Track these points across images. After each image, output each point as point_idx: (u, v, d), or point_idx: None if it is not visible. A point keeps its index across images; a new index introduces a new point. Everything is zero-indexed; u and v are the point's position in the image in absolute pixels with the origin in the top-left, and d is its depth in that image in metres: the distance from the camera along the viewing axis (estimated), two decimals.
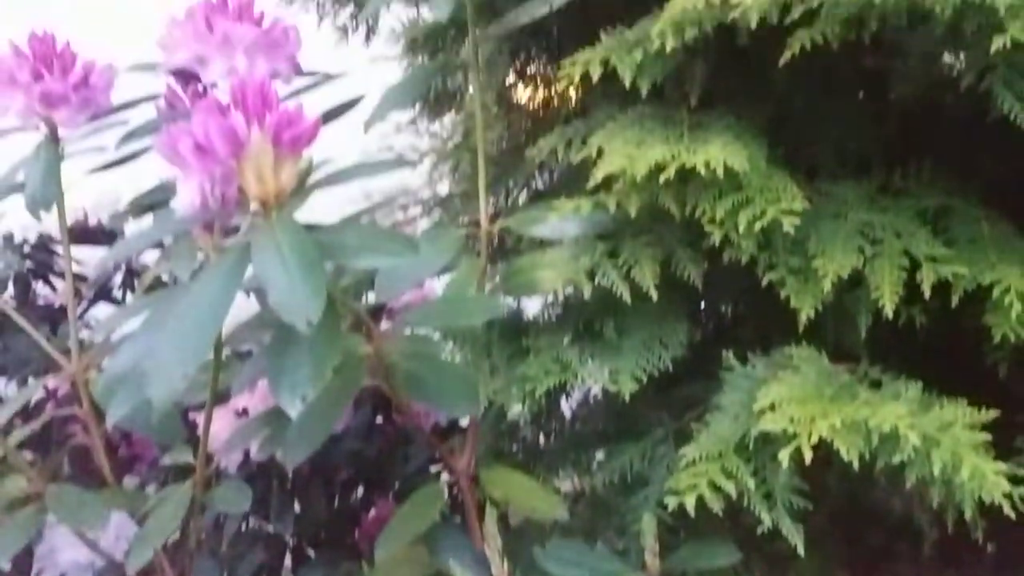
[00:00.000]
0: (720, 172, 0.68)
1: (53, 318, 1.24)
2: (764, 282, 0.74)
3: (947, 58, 0.82)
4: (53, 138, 0.78)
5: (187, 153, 0.55)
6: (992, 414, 0.66)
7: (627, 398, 0.77)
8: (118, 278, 1.34)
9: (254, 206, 0.58)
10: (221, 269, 0.56)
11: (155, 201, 0.78)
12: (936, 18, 0.66)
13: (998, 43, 0.63)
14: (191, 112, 0.65)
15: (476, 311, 0.78)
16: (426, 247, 0.72)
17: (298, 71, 0.79)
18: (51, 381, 0.99)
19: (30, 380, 1.16)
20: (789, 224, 0.69)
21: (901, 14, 0.67)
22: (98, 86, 0.78)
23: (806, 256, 0.73)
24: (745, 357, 0.76)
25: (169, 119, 0.72)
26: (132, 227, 1.29)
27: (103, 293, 1.32)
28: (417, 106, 1.25)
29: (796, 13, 0.67)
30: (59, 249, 1.27)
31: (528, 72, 1.12)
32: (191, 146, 0.55)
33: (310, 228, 0.58)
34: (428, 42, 1.06)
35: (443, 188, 1.33)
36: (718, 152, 0.69)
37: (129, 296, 1.33)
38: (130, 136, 0.75)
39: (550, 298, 0.98)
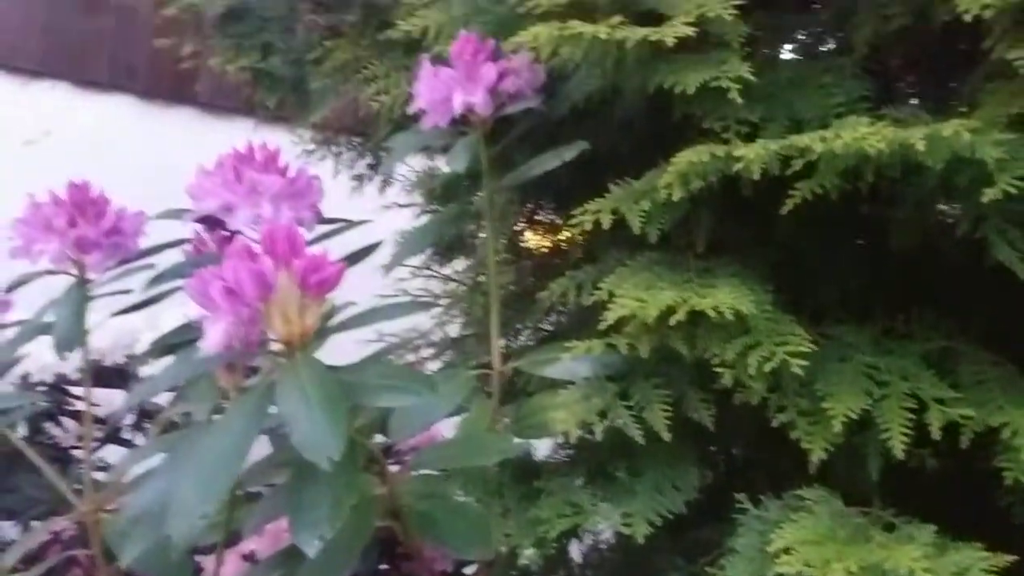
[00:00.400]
0: (729, 315, 0.71)
1: (61, 459, 1.24)
2: (775, 424, 0.75)
3: (944, 205, 0.85)
4: (82, 281, 0.81)
5: (217, 295, 0.57)
6: (1009, 558, 0.66)
7: (640, 542, 0.77)
8: (128, 419, 1.35)
9: (278, 347, 0.60)
10: (244, 408, 0.58)
11: (176, 342, 0.80)
12: (929, 170, 0.69)
13: (989, 195, 0.66)
14: (218, 257, 0.69)
15: (489, 452, 0.79)
16: (440, 388, 0.73)
17: (320, 218, 0.83)
18: (59, 523, 0.99)
19: (34, 523, 1.15)
20: (797, 366, 0.71)
21: (895, 166, 0.71)
22: (128, 232, 0.82)
23: (815, 398, 0.74)
24: (758, 499, 0.76)
25: (195, 264, 0.75)
26: (147, 369, 1.31)
27: (113, 434, 1.32)
28: (428, 251, 1.29)
29: (797, 165, 0.71)
30: (72, 389, 1.29)
31: (538, 219, 1.17)
32: (221, 289, 0.57)
33: (331, 368, 0.59)
34: (444, 192, 1.10)
35: (453, 330, 1.36)
36: (726, 296, 0.71)
37: (139, 437, 1.34)
38: (158, 279, 0.78)
39: (561, 439, 0.98)
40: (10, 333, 0.85)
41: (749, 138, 0.76)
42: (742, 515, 0.75)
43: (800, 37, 0.99)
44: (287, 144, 1.18)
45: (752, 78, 0.74)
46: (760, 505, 0.76)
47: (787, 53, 0.99)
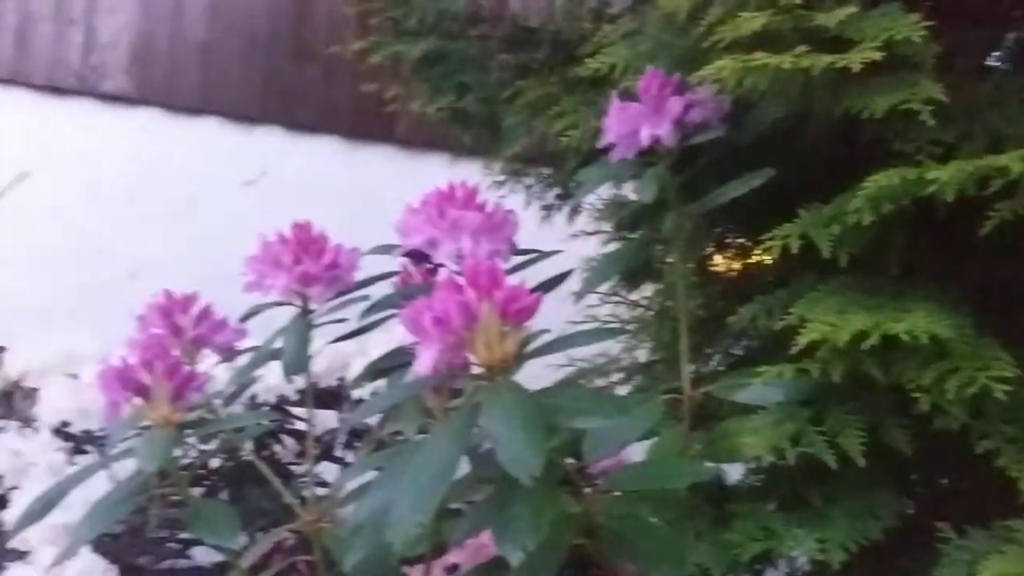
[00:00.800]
0: (924, 339, 0.69)
1: (281, 473, 1.36)
2: (979, 451, 0.73)
3: None
4: (306, 311, 0.90)
5: (428, 324, 0.63)
6: None
7: (836, 568, 0.76)
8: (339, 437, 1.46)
9: (480, 371, 0.65)
10: (452, 427, 0.63)
11: (386, 367, 0.87)
12: None
13: None
14: (426, 289, 0.75)
15: (681, 475, 0.80)
16: (632, 412, 0.76)
17: (515, 250, 0.88)
18: (281, 533, 1.08)
19: (258, 535, 1.26)
20: (1000, 392, 0.69)
21: None
22: (345, 267, 0.90)
23: (1022, 425, 0.71)
24: (962, 528, 0.74)
25: (405, 295, 0.82)
26: (358, 391, 1.42)
27: (326, 451, 1.43)
28: (615, 277, 1.32)
29: (995, 185, 0.69)
30: (292, 410, 1.41)
31: (726, 243, 1.17)
32: (431, 319, 0.63)
33: (529, 391, 0.64)
34: (632, 220, 1.13)
35: (641, 355, 1.38)
36: (921, 320, 0.70)
37: (349, 455, 1.44)
38: (371, 309, 0.85)
39: (752, 463, 0.98)
40: (244, 359, 0.95)
41: (943, 159, 0.74)
42: (946, 544, 0.74)
43: (1006, 48, 0.96)
44: (478, 176, 1.25)
45: (945, 98, 0.73)
46: (965, 535, 0.74)
47: (989, 64, 0.96)
